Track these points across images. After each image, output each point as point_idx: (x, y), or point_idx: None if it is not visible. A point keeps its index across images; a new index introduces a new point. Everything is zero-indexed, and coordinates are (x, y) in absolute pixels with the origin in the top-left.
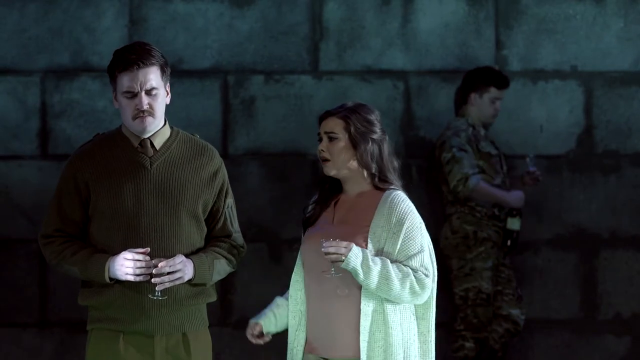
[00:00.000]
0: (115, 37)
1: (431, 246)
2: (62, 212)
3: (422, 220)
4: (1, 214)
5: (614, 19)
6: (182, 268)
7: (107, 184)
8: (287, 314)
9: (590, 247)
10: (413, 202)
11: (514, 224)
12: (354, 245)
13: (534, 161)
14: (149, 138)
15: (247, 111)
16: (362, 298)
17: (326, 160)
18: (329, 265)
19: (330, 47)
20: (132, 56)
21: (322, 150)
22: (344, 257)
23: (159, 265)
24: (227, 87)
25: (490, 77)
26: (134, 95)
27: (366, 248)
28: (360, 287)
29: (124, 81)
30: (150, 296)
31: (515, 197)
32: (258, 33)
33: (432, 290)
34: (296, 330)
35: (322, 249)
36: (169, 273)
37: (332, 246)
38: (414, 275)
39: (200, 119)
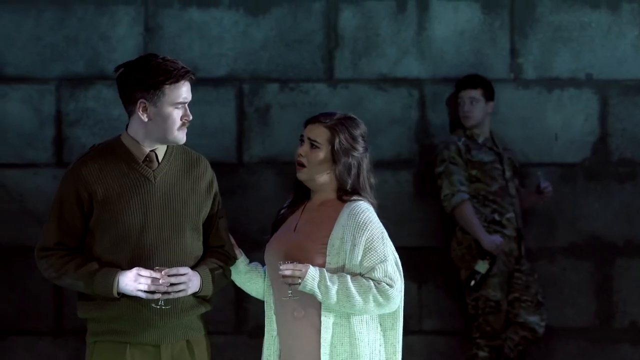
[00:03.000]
0: (131, 45)
1: (396, 255)
2: (63, 225)
3: (384, 230)
4: (16, 222)
5: (629, 28)
6: (187, 281)
7: (113, 197)
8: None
9: (606, 256)
10: (427, 210)
11: (481, 267)
12: (311, 266)
13: (543, 177)
14: (153, 150)
15: (262, 119)
16: (322, 311)
17: (302, 165)
18: (287, 286)
19: (345, 55)
20: (183, 68)
21: (300, 154)
22: (300, 280)
23: (162, 272)
24: (242, 95)
25: (458, 82)
26: (184, 105)
27: (325, 260)
28: (318, 307)
29: (181, 92)
30: (153, 305)
31: (491, 240)
32: (273, 41)
33: (400, 299)
34: (268, 348)
35: (279, 272)
36: (172, 284)
37: (289, 269)
38: (376, 288)
39: (215, 127)
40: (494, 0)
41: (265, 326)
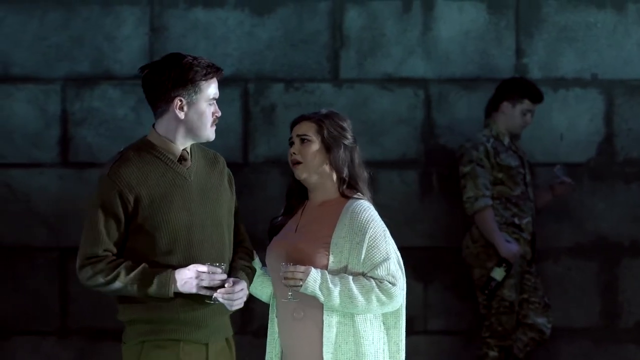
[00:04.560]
0: (136, 46)
1: (398, 253)
2: (107, 232)
3: (385, 228)
4: (22, 222)
5: (635, 27)
6: (244, 295)
7: (158, 198)
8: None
9: (611, 256)
10: (433, 210)
11: (497, 273)
12: (313, 268)
13: (564, 171)
14: (185, 149)
15: (268, 119)
16: (324, 310)
17: (297, 163)
18: (287, 288)
19: (350, 55)
20: (214, 65)
21: (293, 153)
22: (301, 282)
23: (220, 292)
24: (247, 95)
25: (526, 89)
26: (214, 101)
27: (328, 259)
28: (319, 307)
29: (213, 87)
30: (206, 300)
31: (508, 248)
32: (278, 41)
33: (403, 297)
34: (270, 351)
35: (281, 274)
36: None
37: (290, 271)
38: (378, 287)
39: (220, 127)
40: (499, 1)
41: (268, 328)
